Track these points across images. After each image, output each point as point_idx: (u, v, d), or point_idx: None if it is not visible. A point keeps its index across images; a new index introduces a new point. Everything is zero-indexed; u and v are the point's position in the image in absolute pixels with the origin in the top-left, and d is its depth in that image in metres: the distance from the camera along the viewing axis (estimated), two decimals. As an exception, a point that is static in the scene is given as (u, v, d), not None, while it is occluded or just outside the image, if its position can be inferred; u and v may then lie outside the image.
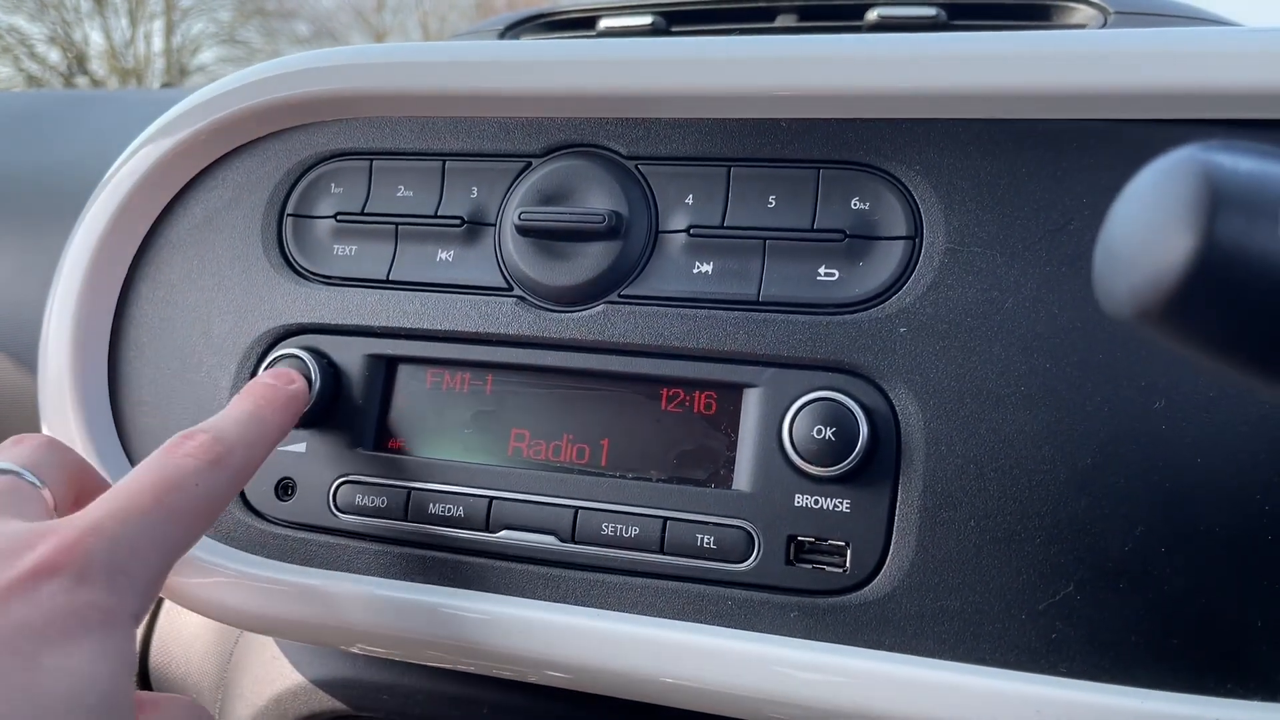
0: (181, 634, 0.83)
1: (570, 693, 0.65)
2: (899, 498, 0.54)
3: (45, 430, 0.68)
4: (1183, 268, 0.29)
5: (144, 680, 0.84)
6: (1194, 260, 0.29)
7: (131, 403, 0.68)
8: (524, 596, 0.59)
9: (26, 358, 0.87)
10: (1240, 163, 0.29)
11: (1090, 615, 0.51)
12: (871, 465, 0.55)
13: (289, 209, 0.68)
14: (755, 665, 0.54)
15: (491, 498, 0.60)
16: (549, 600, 0.59)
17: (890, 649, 0.53)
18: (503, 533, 0.60)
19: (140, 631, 0.84)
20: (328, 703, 0.70)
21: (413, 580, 0.61)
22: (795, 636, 0.54)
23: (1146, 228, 0.30)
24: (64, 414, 0.68)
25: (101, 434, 0.68)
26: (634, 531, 0.58)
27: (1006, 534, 0.52)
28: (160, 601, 0.85)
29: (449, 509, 0.61)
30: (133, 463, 0.68)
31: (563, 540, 0.59)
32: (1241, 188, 0.29)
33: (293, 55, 0.67)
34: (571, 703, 0.66)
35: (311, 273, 0.66)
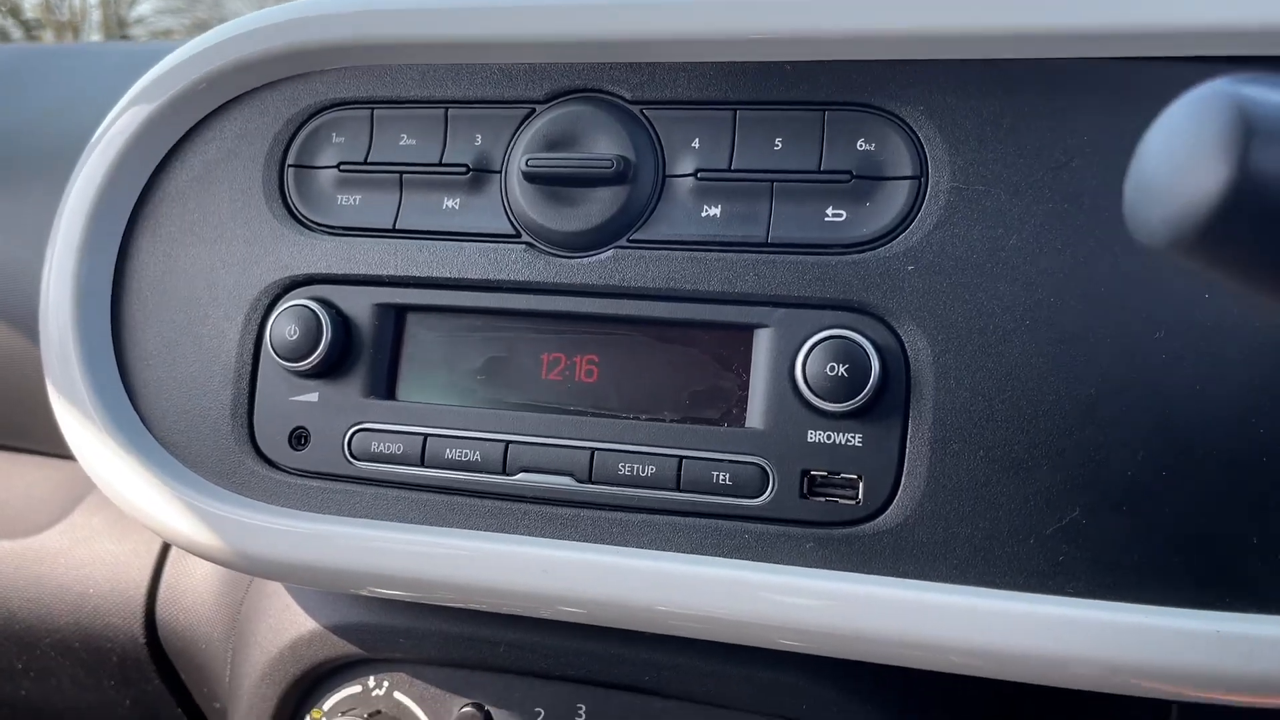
0: (188, 586, 0.83)
1: (585, 630, 0.67)
2: (910, 431, 0.56)
3: (51, 389, 0.68)
4: (1218, 198, 0.30)
5: (152, 636, 0.84)
6: (1229, 190, 0.30)
7: (138, 357, 0.68)
8: (542, 536, 0.60)
9: (17, 315, 0.87)
10: (1271, 95, 0.30)
11: (1096, 538, 0.53)
12: (882, 400, 0.56)
13: (290, 160, 0.67)
14: (772, 594, 0.56)
15: (508, 441, 0.61)
16: (567, 539, 0.60)
17: (904, 575, 0.55)
18: (520, 475, 0.61)
19: (143, 593, 0.85)
20: (342, 648, 0.71)
21: (430, 524, 0.62)
22: (811, 567, 0.56)
23: (1180, 160, 0.32)
24: (69, 371, 0.67)
25: (109, 390, 0.68)
26: (650, 470, 0.59)
27: (1014, 463, 0.54)
28: (164, 556, 0.85)
29: (466, 453, 0.62)
30: (142, 418, 0.68)
31: (580, 481, 0.60)
32: (1274, 118, 0.30)
33: (289, 4, 0.67)
34: (585, 638, 0.67)
35: (316, 223, 0.66)
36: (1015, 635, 0.52)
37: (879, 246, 0.58)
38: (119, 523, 0.87)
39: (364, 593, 0.65)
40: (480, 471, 0.62)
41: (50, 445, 0.92)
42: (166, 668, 0.86)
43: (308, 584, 0.68)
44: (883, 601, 0.54)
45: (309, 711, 0.74)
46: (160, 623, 0.84)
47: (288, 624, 0.73)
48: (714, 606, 0.56)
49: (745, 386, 0.59)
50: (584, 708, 0.68)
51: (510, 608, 0.61)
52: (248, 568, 0.65)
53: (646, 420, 0.60)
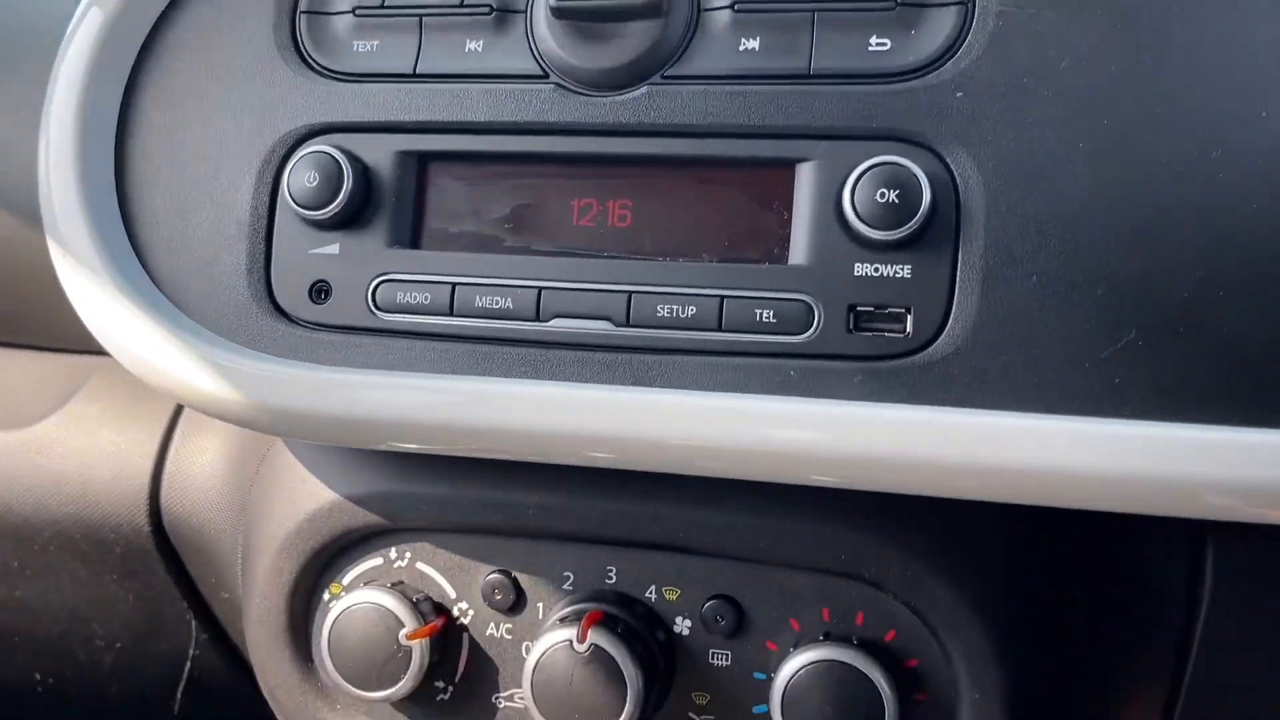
0: (194, 472, 0.81)
1: (615, 489, 0.66)
2: (960, 259, 0.55)
3: (57, 253, 0.65)
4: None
5: (157, 524, 0.82)
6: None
7: (146, 216, 0.66)
8: (579, 382, 0.59)
9: (8, 199, 0.83)
10: None
11: (1152, 360, 0.52)
12: (932, 229, 0.55)
13: (301, 5, 0.64)
14: (822, 423, 0.54)
15: (540, 287, 0.60)
16: (605, 385, 0.58)
17: (956, 404, 0.54)
18: (554, 321, 0.59)
19: (146, 482, 0.82)
20: (363, 518, 0.69)
21: (460, 374, 0.60)
22: (860, 400, 0.55)
23: None
24: (76, 234, 0.65)
25: (117, 250, 0.65)
26: (690, 311, 0.58)
27: (1068, 288, 0.53)
28: (167, 443, 0.83)
29: (497, 301, 0.60)
30: (153, 278, 0.65)
31: (617, 325, 0.58)
32: None
33: None
34: (616, 498, 0.66)
35: (332, 70, 0.64)
36: (1074, 454, 0.52)
37: (926, 74, 0.56)
38: (119, 411, 0.84)
39: (391, 447, 0.63)
40: (512, 319, 0.60)
41: (43, 339, 0.89)
42: (172, 558, 0.83)
43: (332, 440, 0.65)
44: (937, 427, 0.53)
45: (328, 587, 0.72)
46: (165, 511, 0.82)
47: (304, 497, 0.71)
48: (761, 438, 0.55)
49: (787, 224, 0.57)
50: (614, 570, 0.67)
51: (547, 453, 0.59)
52: (269, 423, 0.62)
53: (686, 262, 0.58)
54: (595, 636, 0.63)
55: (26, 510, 0.84)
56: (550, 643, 0.64)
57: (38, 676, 0.98)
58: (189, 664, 0.91)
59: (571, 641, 0.63)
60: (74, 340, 0.86)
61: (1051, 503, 0.54)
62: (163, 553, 0.83)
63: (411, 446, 0.62)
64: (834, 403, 0.55)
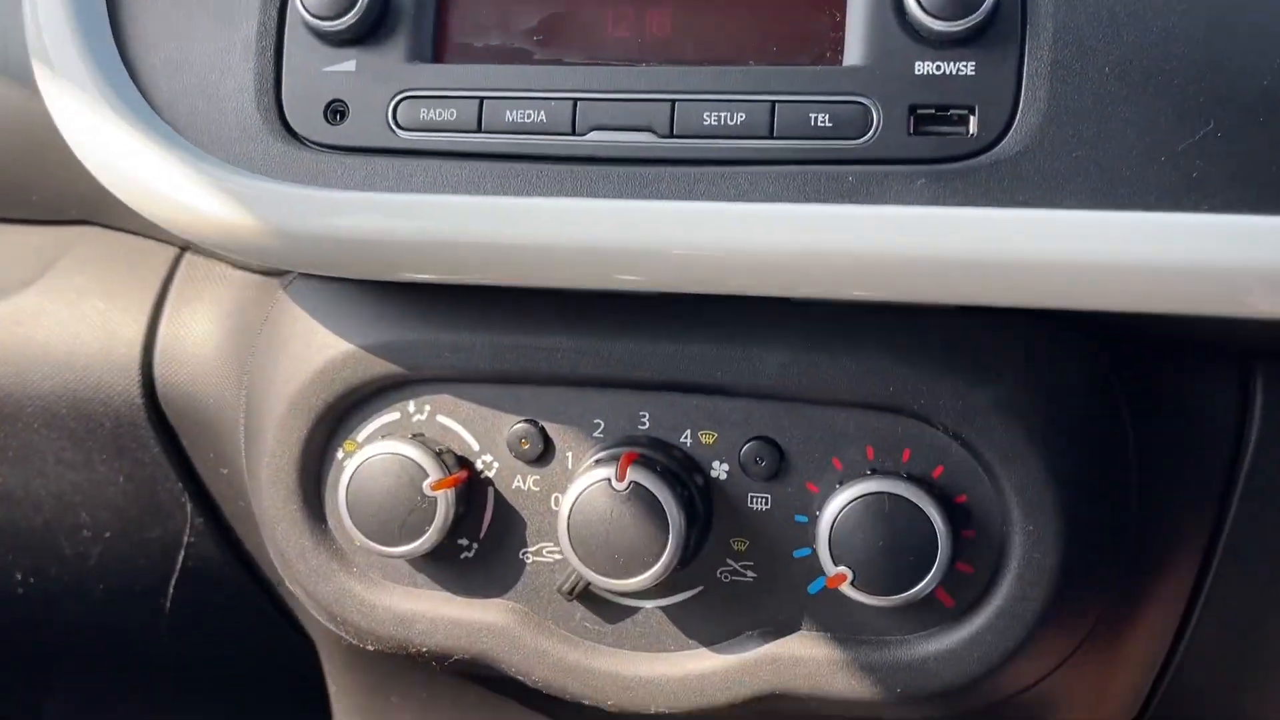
0: (189, 338, 0.76)
1: (647, 329, 0.63)
2: (1027, 52, 0.52)
3: (44, 78, 0.60)
4: None
5: (150, 395, 0.78)
6: None
7: (141, 38, 0.61)
8: (621, 199, 0.55)
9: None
10: None
11: (1231, 150, 0.50)
12: (997, 20, 0.52)
13: None
14: (887, 226, 0.52)
15: (576, 98, 0.56)
16: (650, 199, 0.55)
17: (1026, 205, 0.51)
18: (591, 134, 0.56)
19: (137, 351, 0.78)
20: (379, 368, 0.66)
21: (491, 194, 0.56)
22: (922, 204, 0.52)
23: None
24: (65, 54, 0.60)
25: (112, 75, 0.60)
26: (739, 118, 0.54)
27: (1142, 80, 0.51)
28: (158, 314, 0.78)
29: (529, 114, 0.56)
30: (152, 104, 0.60)
31: (660, 136, 0.55)
32: None
33: None
34: (649, 337, 0.63)
35: (343, -126, 0.59)
36: (1151, 249, 0.49)
37: None
38: (107, 278, 0.79)
39: (414, 275, 0.60)
40: (546, 133, 0.56)
41: (18, 209, 0.84)
42: (166, 433, 0.79)
43: (352, 269, 0.61)
44: (1008, 224, 0.50)
45: (341, 445, 0.68)
46: (159, 381, 0.77)
47: (315, 349, 0.67)
48: (818, 243, 0.52)
49: (840, 25, 0.54)
50: (647, 415, 0.64)
51: (586, 273, 0.56)
52: (285, 251, 0.58)
53: (732, 68, 0.55)
54: (635, 475, 0.60)
55: (7, 384, 0.79)
56: (587, 483, 0.61)
57: (18, 577, 0.93)
58: (183, 553, 0.86)
59: (610, 480, 0.60)
60: (53, 209, 0.81)
61: (1128, 305, 0.52)
62: (156, 427, 0.78)
63: (436, 274, 0.58)
64: (897, 207, 0.52)
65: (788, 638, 0.64)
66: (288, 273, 0.71)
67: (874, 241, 0.52)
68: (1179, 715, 0.82)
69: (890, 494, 0.59)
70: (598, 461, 0.62)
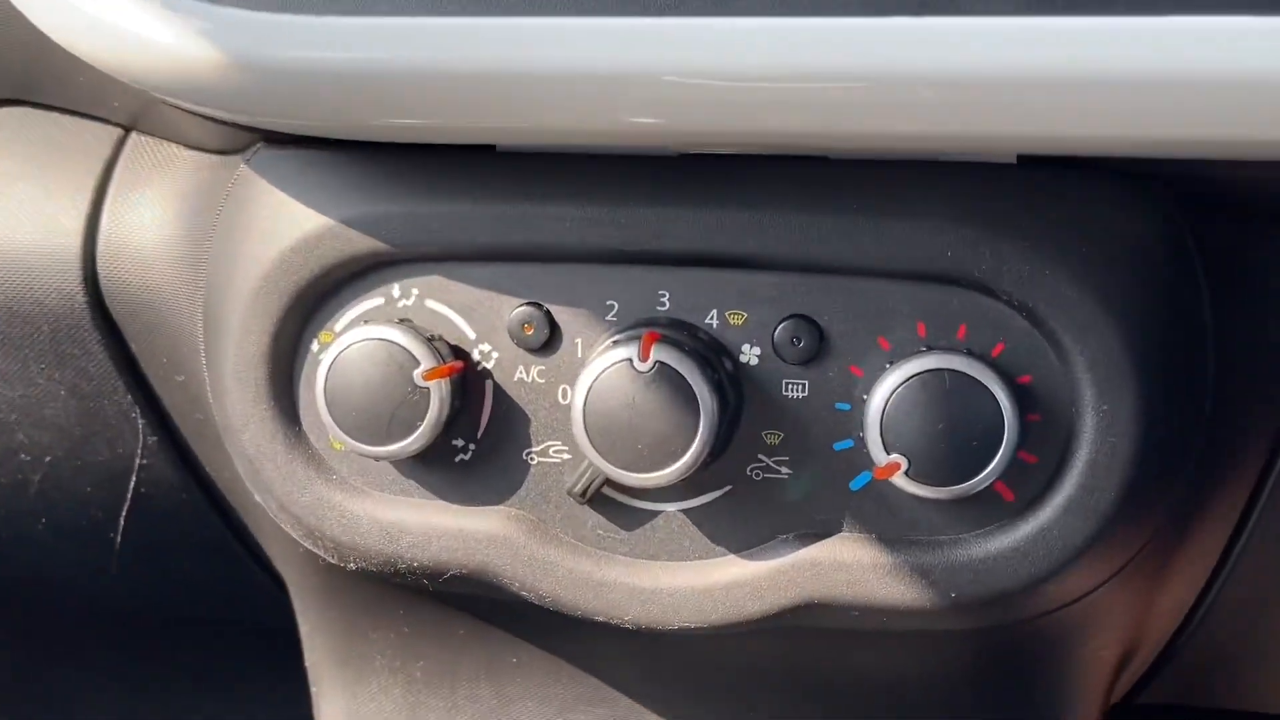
0: (135, 232, 0.67)
1: (665, 194, 0.55)
2: None
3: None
4: None
5: (93, 293, 0.68)
6: None
7: None
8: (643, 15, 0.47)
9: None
10: None
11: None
12: None
13: None
14: (969, 39, 0.44)
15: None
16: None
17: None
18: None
19: (78, 242, 0.68)
20: (361, 244, 0.57)
21: (498, 14, 0.48)
22: (1012, 15, 0.45)
23: None
24: None
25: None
26: (786, -74, 0.47)
27: None
28: (100, 201, 0.69)
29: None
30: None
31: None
32: None
33: None
34: (668, 203, 0.55)
35: None
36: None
37: None
38: (39, 161, 0.70)
39: (410, 123, 0.51)
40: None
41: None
42: (113, 336, 0.70)
43: (335, 114, 0.53)
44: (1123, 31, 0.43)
45: (316, 336, 0.60)
46: (103, 277, 0.68)
47: (285, 225, 0.59)
48: (883, 64, 0.45)
49: None
50: (667, 294, 0.57)
51: (597, 112, 0.48)
52: (257, 91, 0.50)
53: None
54: (660, 354, 0.53)
55: (-71, 284, 0.69)
56: (605, 364, 0.53)
57: (-51, 517, 0.84)
58: (134, 478, 0.78)
59: (631, 360, 0.53)
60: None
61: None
62: (101, 330, 0.70)
63: (433, 117, 0.50)
64: (979, 17, 0.45)
65: (827, 540, 0.57)
66: (249, 147, 0.63)
67: (950, 61, 0.44)
68: (1214, 642, 0.77)
69: (951, 370, 0.52)
70: (615, 343, 0.55)
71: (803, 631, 0.61)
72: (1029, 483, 0.55)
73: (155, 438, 0.74)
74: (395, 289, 0.59)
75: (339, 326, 0.60)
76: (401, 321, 0.58)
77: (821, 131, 0.49)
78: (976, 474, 0.52)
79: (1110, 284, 0.53)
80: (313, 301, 0.59)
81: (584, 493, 0.57)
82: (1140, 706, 0.89)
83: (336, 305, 0.60)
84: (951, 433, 0.52)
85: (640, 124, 0.49)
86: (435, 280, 0.58)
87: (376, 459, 0.57)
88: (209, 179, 0.65)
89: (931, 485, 0.53)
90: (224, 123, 0.61)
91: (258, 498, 0.64)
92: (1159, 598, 0.69)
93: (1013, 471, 0.53)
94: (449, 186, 0.57)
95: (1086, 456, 0.54)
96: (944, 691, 0.72)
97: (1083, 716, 0.74)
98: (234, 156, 0.64)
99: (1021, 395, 0.53)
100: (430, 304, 0.59)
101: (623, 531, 0.59)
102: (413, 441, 0.56)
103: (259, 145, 0.62)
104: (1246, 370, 0.59)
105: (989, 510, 0.56)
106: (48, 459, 0.78)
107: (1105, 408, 0.53)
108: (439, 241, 0.57)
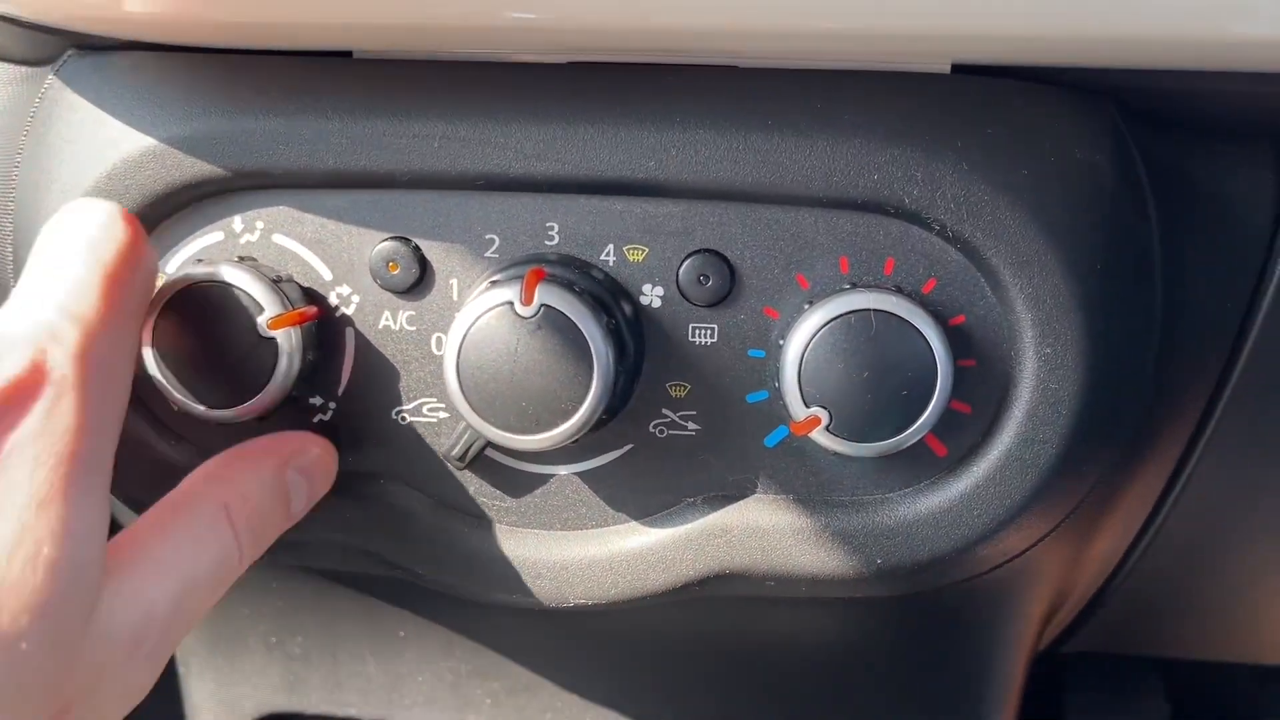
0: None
1: (553, 109, 0.47)
2: None
3: None
4: None
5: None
6: None
7: None
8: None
9: None
10: None
11: None
12: None
13: None
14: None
15: None
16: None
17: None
18: None
19: None
20: (191, 169, 0.48)
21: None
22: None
23: None
24: None
25: None
26: None
27: None
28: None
29: None
30: None
31: None
32: None
33: None
34: (553, 119, 0.47)
35: None
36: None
37: None
38: None
39: (243, 17, 0.43)
40: None
41: None
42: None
43: (161, 5, 0.43)
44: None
45: (145, 279, 0.51)
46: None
47: (101, 147, 0.50)
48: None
49: None
50: (556, 226, 0.49)
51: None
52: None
53: None
54: (545, 295, 0.45)
55: None
56: (481, 309, 0.46)
57: None
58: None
59: (513, 304, 0.45)
60: None
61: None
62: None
63: (266, 14, 0.41)
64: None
65: (740, 503, 0.51)
66: (59, 57, 0.53)
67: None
68: (1141, 592, 0.73)
69: (877, 310, 0.46)
70: (494, 284, 0.47)
71: (714, 600, 0.55)
72: (962, 436, 0.49)
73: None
74: (236, 222, 0.50)
75: (170, 267, 0.51)
76: (243, 260, 0.49)
77: (728, 28, 0.41)
78: (905, 427, 0.46)
79: (1055, 211, 0.47)
80: (138, 238, 0.50)
81: (463, 457, 0.49)
82: (1065, 655, 0.86)
83: (166, 242, 0.51)
84: (878, 381, 0.46)
85: (518, 19, 0.41)
86: (282, 211, 0.50)
87: (219, 423, 0.49)
88: (14, 94, 0.55)
89: (855, 441, 0.47)
90: (26, 25, 0.51)
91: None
92: (1090, 550, 0.65)
93: (945, 424, 0.48)
94: (296, 100, 0.48)
95: (1026, 405, 0.48)
96: (861, 653, 0.68)
97: (1008, 670, 0.71)
98: (42, 68, 0.54)
99: (954, 339, 0.47)
100: (277, 239, 0.50)
101: (510, 499, 0.52)
102: (258, 401, 0.48)
103: (69, 53, 0.52)
104: (1193, 308, 0.54)
105: (918, 467, 0.50)
106: None
107: (1047, 350, 0.47)
108: (285, 165, 0.48)
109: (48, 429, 0.36)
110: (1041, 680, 0.86)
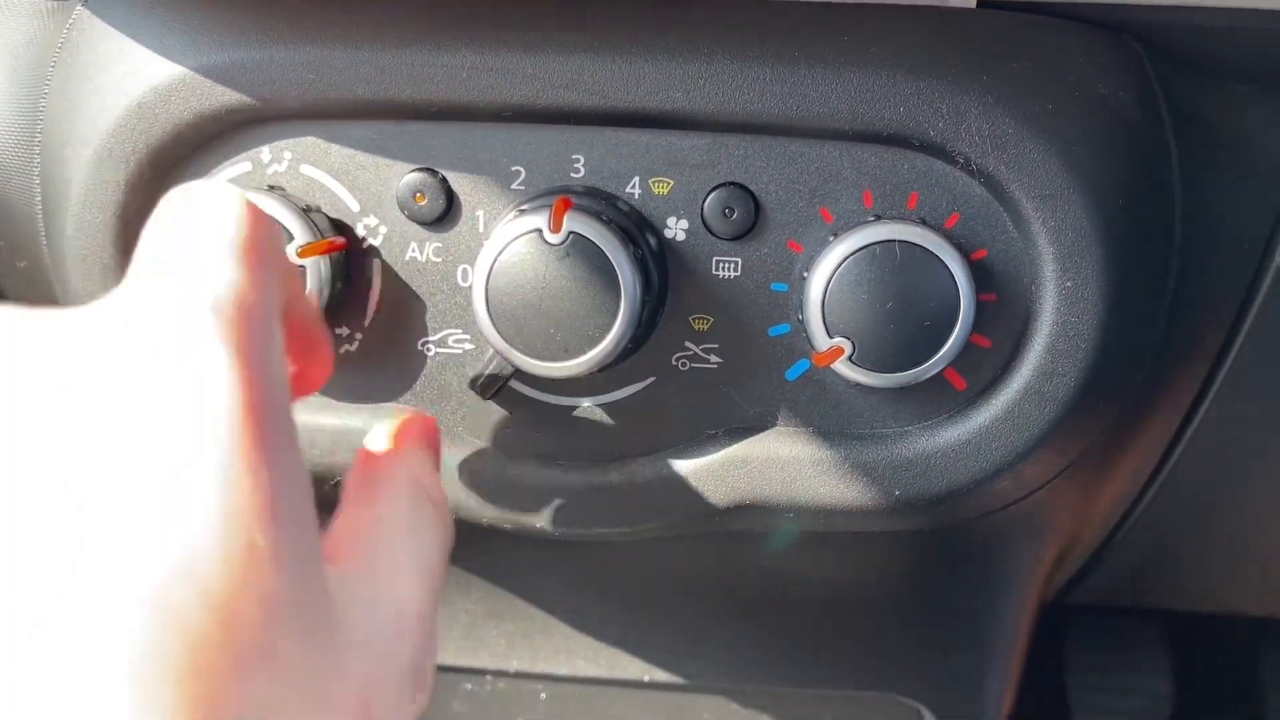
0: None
1: (580, 41, 0.48)
2: None
3: None
4: None
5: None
6: None
7: None
8: None
9: None
10: None
11: None
12: None
13: None
14: None
15: None
16: None
17: None
18: None
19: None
20: (220, 98, 0.48)
21: None
22: None
23: None
24: None
25: None
26: None
27: None
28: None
29: None
30: None
31: None
32: None
33: None
34: (580, 51, 0.48)
35: None
36: None
37: None
38: None
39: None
40: None
41: None
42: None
43: None
44: None
45: (172, 208, 0.51)
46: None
47: (131, 77, 0.50)
48: None
49: None
50: (582, 159, 0.50)
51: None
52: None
53: None
54: (574, 223, 0.46)
55: None
56: (510, 236, 0.46)
57: None
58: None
59: (541, 231, 0.46)
60: None
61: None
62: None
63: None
64: None
65: (760, 435, 0.52)
66: (88, -10, 0.53)
67: None
68: (1146, 543, 0.74)
69: (902, 242, 0.46)
70: (521, 212, 0.48)
71: (727, 538, 0.56)
72: (982, 369, 0.50)
73: None
74: (264, 153, 0.51)
75: (200, 197, 0.51)
76: (272, 189, 0.50)
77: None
78: (927, 359, 0.47)
79: (1078, 146, 0.47)
80: (165, 167, 0.50)
81: (488, 386, 0.50)
82: (1069, 607, 0.87)
83: (195, 173, 0.51)
84: (900, 313, 0.46)
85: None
86: (310, 142, 0.50)
87: (247, 350, 0.49)
88: (42, 25, 0.55)
89: (877, 372, 0.47)
90: (55, -46, 0.51)
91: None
92: (1101, 494, 0.66)
93: (965, 357, 0.48)
94: (324, 28, 0.48)
95: (1045, 339, 0.49)
96: (870, 593, 0.69)
97: (1017, 615, 0.72)
98: (69, 1, 0.54)
99: (976, 272, 0.48)
100: (306, 170, 0.51)
101: (533, 430, 0.52)
102: (288, 329, 0.48)
103: (97, -16, 0.52)
104: (1211, 246, 0.54)
105: (938, 400, 0.51)
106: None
107: (1068, 284, 0.48)
108: (313, 95, 0.49)
109: (225, 400, 0.29)
110: (1044, 633, 0.88)
